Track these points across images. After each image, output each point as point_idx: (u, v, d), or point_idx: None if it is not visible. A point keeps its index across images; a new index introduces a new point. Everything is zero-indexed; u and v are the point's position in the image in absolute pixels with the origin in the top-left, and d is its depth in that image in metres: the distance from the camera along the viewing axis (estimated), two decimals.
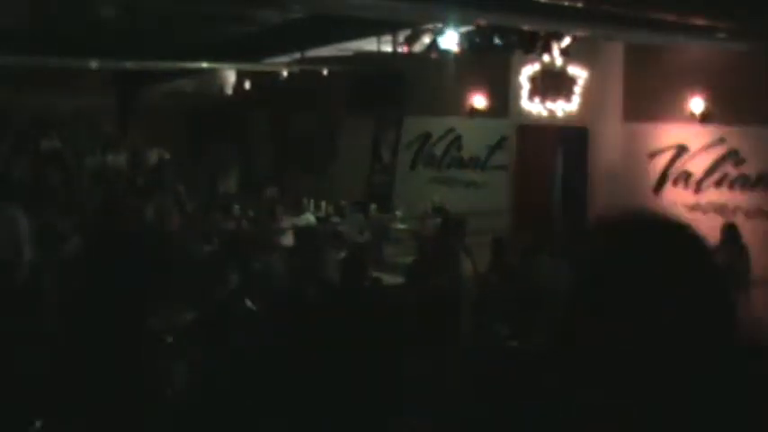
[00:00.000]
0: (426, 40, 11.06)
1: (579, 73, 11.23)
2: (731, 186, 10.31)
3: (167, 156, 14.83)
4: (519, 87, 11.90)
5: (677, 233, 1.30)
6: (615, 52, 11.20)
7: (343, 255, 7.61)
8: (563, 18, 8.34)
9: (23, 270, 6.69)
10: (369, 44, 12.51)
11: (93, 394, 4.85)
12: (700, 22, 8.17)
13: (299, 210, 12.73)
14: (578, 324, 1.28)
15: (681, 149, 10.76)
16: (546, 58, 10.97)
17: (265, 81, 15.60)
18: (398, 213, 13.28)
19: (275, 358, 5.59)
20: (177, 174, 13.69)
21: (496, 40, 10.32)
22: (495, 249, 9.18)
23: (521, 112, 12.03)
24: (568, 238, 10.09)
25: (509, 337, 7.48)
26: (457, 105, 13.43)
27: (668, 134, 10.85)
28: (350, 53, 13.67)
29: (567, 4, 7.55)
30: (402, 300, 7.55)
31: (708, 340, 1.23)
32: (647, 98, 10.87)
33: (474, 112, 13.36)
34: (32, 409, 5.15)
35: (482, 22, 9.00)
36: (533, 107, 11.80)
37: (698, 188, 10.59)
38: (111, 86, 16.45)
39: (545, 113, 11.67)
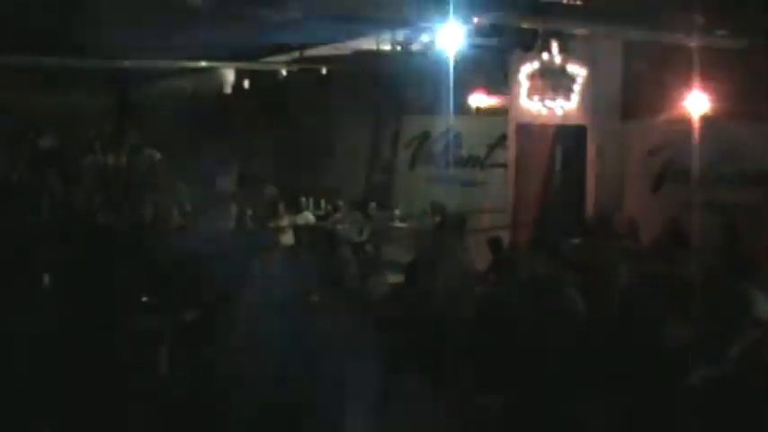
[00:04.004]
0: (425, 38, 11.03)
1: (578, 71, 11.21)
2: (730, 184, 10.27)
3: (158, 156, 14.78)
4: (518, 85, 11.89)
5: None
6: (614, 50, 11.17)
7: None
8: (562, 16, 8.34)
9: None
10: (367, 43, 12.46)
11: (88, 393, 4.84)
12: (699, 20, 8.17)
13: (297, 208, 12.73)
14: None
15: (680, 147, 10.72)
16: (545, 56, 10.96)
17: (264, 80, 15.57)
18: (398, 212, 13.27)
19: None
20: (176, 172, 13.65)
21: (495, 39, 10.30)
22: (494, 248, 9.18)
23: (520, 111, 12.02)
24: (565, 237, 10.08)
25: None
26: (456, 104, 13.40)
27: (668, 132, 10.81)
28: (348, 52, 13.62)
29: (565, 2, 7.55)
30: None
31: None
32: (647, 96, 10.84)
33: (473, 110, 13.33)
34: (30, 407, 5.14)
35: (481, 20, 8.98)
36: (532, 105, 11.78)
37: (697, 186, 10.55)
38: (110, 86, 16.39)
39: (544, 112, 11.66)
